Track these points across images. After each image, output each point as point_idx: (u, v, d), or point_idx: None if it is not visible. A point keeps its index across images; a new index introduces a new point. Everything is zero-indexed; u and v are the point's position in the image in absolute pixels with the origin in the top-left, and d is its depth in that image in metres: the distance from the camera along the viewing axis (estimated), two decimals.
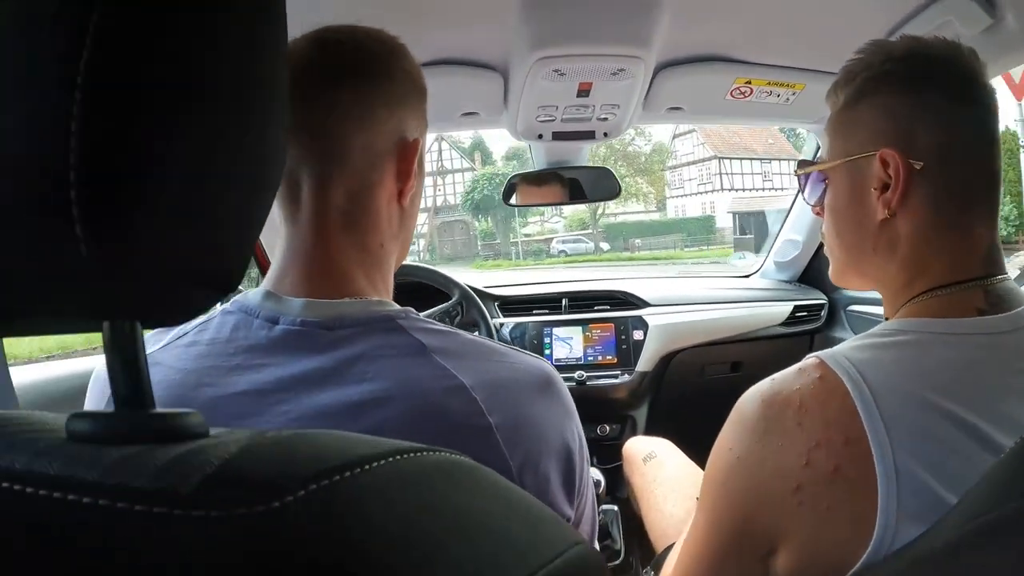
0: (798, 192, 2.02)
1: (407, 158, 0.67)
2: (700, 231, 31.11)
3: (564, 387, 0.66)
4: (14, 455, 0.28)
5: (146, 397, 0.31)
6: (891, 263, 0.69)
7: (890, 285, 0.71)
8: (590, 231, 28.40)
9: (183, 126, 0.28)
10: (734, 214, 27.85)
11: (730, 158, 33.65)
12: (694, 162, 36.37)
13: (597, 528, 0.77)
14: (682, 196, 37.77)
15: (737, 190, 33.02)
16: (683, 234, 30.49)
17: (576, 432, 0.66)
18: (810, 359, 0.63)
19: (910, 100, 0.65)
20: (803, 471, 0.58)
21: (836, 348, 0.63)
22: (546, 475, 0.60)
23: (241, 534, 0.24)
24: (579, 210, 28.67)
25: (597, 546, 0.81)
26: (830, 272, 0.80)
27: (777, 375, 0.64)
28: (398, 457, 0.29)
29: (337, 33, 0.64)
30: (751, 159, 33.44)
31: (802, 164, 0.78)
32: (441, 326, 0.62)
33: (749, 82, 1.44)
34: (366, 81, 0.63)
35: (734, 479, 0.64)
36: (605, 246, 28.36)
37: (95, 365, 1.38)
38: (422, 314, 0.65)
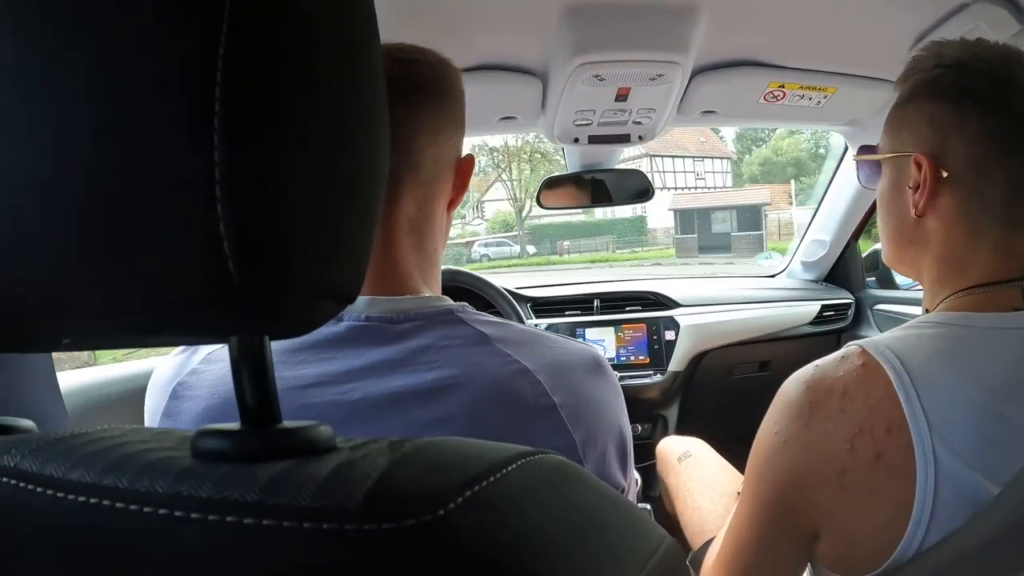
0: (825, 192, 2.05)
1: (464, 172, 0.73)
2: (631, 232, 29.59)
3: (611, 368, 0.70)
4: (153, 478, 0.28)
5: (274, 411, 0.31)
6: (925, 257, 0.72)
7: (927, 277, 0.73)
8: (515, 233, 26.72)
9: (311, 152, 0.29)
10: (676, 212, 26.80)
11: (662, 156, 31.70)
12: (624, 160, 35.87)
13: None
14: None
15: (669, 189, 31.44)
16: (613, 235, 29.02)
17: (623, 407, 0.70)
18: (852, 347, 0.65)
19: (951, 110, 0.67)
20: (847, 456, 0.60)
21: (878, 337, 0.65)
22: (604, 449, 0.64)
23: (412, 543, 0.24)
24: (503, 211, 27.60)
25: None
26: (882, 255, 0.82)
27: (820, 361, 0.67)
28: (523, 461, 0.30)
29: (413, 53, 0.68)
30: (683, 157, 31.86)
31: (861, 150, 0.80)
32: (496, 318, 0.66)
33: (782, 86, 1.46)
34: (441, 100, 0.68)
35: (780, 462, 0.66)
36: (531, 249, 26.82)
37: (139, 369, 1.41)
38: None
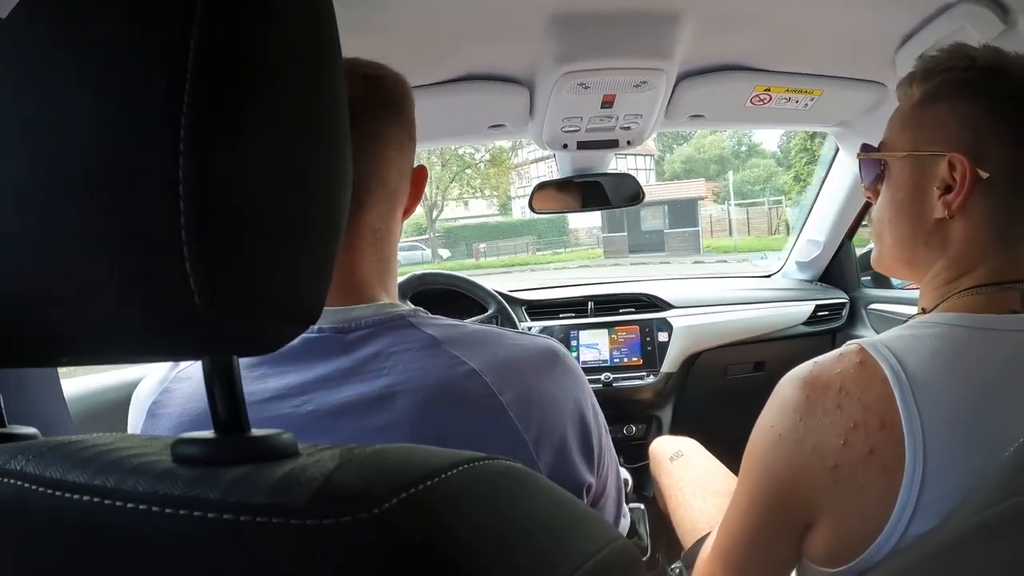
0: (817, 193, 2.06)
1: (419, 182, 0.75)
2: (552, 233, 28.77)
3: (572, 360, 0.70)
4: (136, 479, 0.31)
5: (243, 421, 0.34)
6: (939, 259, 0.71)
7: (933, 279, 0.73)
8: (427, 237, 26.06)
9: (271, 180, 0.31)
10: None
11: None
12: (543, 158, 32.35)
13: (624, 499, 0.81)
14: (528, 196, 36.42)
15: None
16: (533, 236, 28.17)
17: (588, 399, 0.69)
18: (851, 345, 0.66)
19: (986, 113, 0.67)
20: (841, 451, 0.62)
21: (877, 336, 0.66)
22: (563, 443, 0.64)
23: (349, 537, 0.27)
24: (415, 214, 26.82)
25: (627, 513, 0.85)
26: (873, 257, 0.82)
27: (818, 358, 0.68)
28: (466, 466, 0.32)
29: (375, 68, 0.70)
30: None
31: (865, 148, 0.79)
32: (450, 320, 0.67)
33: (768, 89, 1.47)
34: (402, 114, 0.70)
35: (775, 456, 0.67)
36: (445, 252, 26.39)
37: (137, 376, 1.43)
38: (466, 322, 0.70)
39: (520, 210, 34.38)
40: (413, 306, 0.68)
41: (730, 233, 27.87)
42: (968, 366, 0.62)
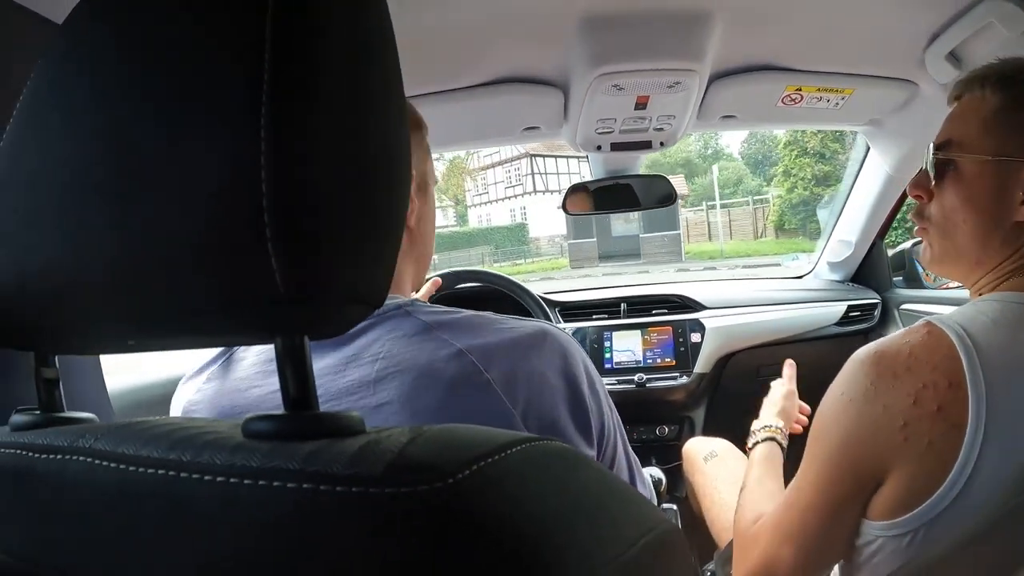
0: (849, 193, 2.06)
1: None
2: (511, 242, 27.59)
3: (562, 337, 0.72)
4: (212, 452, 0.33)
5: (312, 399, 0.36)
6: (1009, 257, 0.76)
7: (993, 271, 0.77)
8: None
9: (344, 166, 0.33)
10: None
11: (543, 156, 29.42)
12: (501, 162, 31.54)
13: (638, 473, 0.83)
14: (487, 203, 32.80)
15: (553, 192, 28.62)
16: (490, 246, 27.03)
17: (583, 376, 0.71)
18: (919, 322, 0.70)
19: None
20: (910, 409, 0.65)
21: (941, 314, 0.70)
22: (554, 420, 0.67)
23: (424, 505, 0.28)
24: None
25: (648, 483, 0.87)
26: (932, 255, 0.84)
27: (884, 337, 0.72)
28: (527, 445, 0.33)
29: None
30: (567, 157, 29.08)
31: (944, 147, 0.80)
32: (445, 308, 0.71)
33: (799, 89, 1.48)
34: (419, 133, 0.78)
35: (846, 419, 0.70)
36: None
37: (179, 372, 1.48)
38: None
39: (477, 218, 33.31)
40: (411, 298, 0.73)
41: (709, 237, 26.28)
42: None
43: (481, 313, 0.72)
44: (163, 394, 1.34)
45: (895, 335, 0.71)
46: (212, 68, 0.32)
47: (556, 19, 1.17)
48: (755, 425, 1.19)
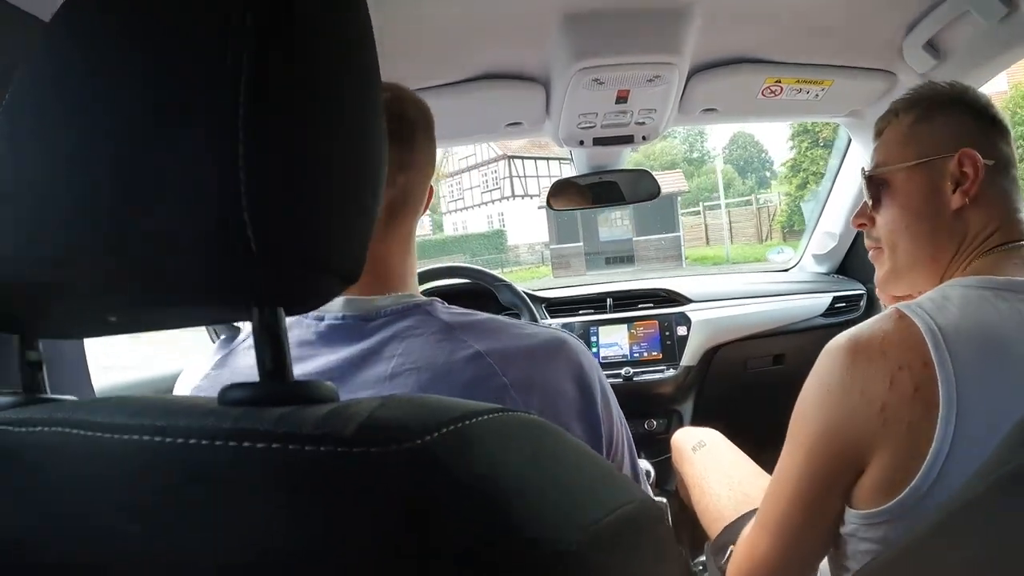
0: (832, 185, 2.07)
1: (430, 194, 0.83)
2: (488, 250, 26.39)
3: (579, 347, 0.74)
4: (183, 417, 0.33)
5: (287, 369, 0.37)
6: (960, 243, 0.82)
7: (955, 263, 0.82)
8: None
9: (321, 149, 0.35)
10: (550, 212, 16.89)
11: (522, 158, 28.55)
12: (477, 165, 30.72)
13: (644, 483, 0.85)
14: (462, 209, 31.98)
15: (532, 196, 27.79)
16: (466, 255, 25.74)
17: (592, 381, 0.73)
18: (888, 309, 0.72)
19: (974, 119, 0.84)
20: (887, 393, 0.66)
21: (910, 301, 0.72)
22: (566, 423, 0.69)
23: (396, 464, 0.29)
24: None
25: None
26: (885, 273, 0.92)
27: (856, 326, 0.74)
28: (501, 413, 0.34)
29: (409, 93, 0.79)
30: (548, 159, 28.41)
31: (875, 170, 0.90)
32: (463, 309, 0.73)
33: (779, 81, 1.49)
34: (429, 136, 0.80)
35: (826, 407, 0.72)
36: None
37: (167, 372, 1.48)
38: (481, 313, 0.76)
39: (452, 226, 32.43)
40: (430, 297, 0.74)
41: (707, 241, 24.98)
42: (991, 317, 0.68)
43: (497, 317, 0.73)
44: (158, 392, 1.34)
45: (866, 322, 0.72)
46: (198, 41, 0.33)
47: (536, 14, 1.18)
48: None
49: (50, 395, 0.45)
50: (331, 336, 0.69)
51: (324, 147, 0.35)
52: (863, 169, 0.92)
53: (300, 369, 0.67)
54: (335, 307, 0.71)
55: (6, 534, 0.37)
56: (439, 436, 0.30)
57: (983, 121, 0.84)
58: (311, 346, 0.69)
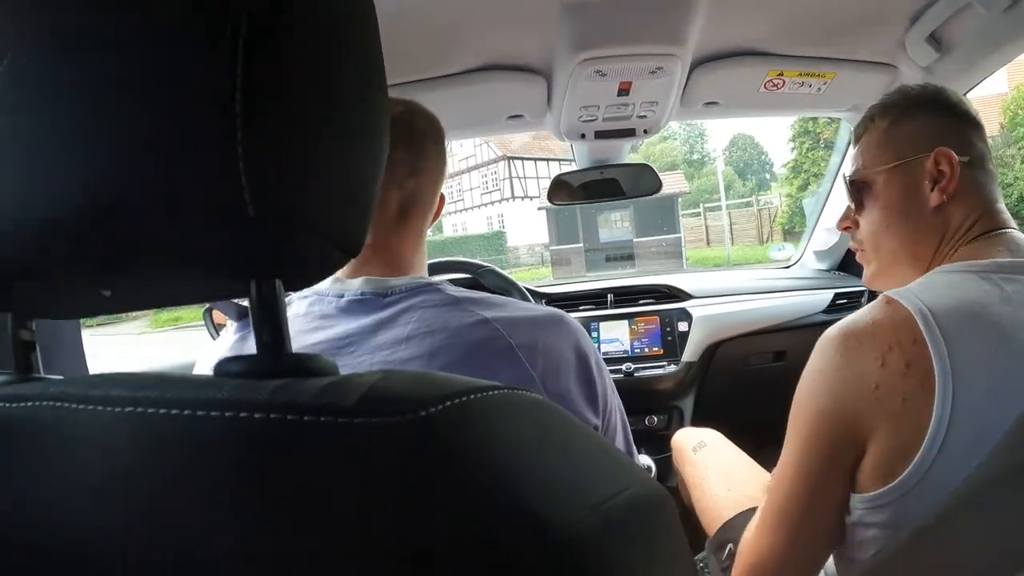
0: (832, 182, 2.07)
1: (441, 201, 0.92)
2: (488, 251, 25.96)
3: (576, 322, 0.82)
4: (180, 389, 0.33)
5: (284, 342, 0.36)
6: (943, 239, 0.84)
7: (939, 257, 0.84)
8: None
9: (321, 122, 0.34)
10: (549, 212, 20.95)
11: (522, 159, 28.43)
12: (477, 166, 30.43)
13: (634, 448, 0.94)
14: (462, 211, 31.77)
15: (532, 198, 27.67)
16: (465, 256, 26.17)
17: (591, 355, 0.81)
18: (879, 297, 0.74)
19: (948, 118, 0.86)
20: (880, 371, 0.68)
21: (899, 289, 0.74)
22: (567, 387, 0.76)
23: (397, 435, 0.28)
24: None
25: (639, 460, 0.94)
26: (871, 273, 0.94)
27: (851, 315, 0.75)
28: (507, 390, 0.34)
29: (419, 106, 0.87)
30: (548, 160, 28.08)
31: (856, 174, 0.93)
32: (473, 291, 0.80)
33: (781, 74, 1.49)
34: (438, 145, 0.88)
35: (820, 392, 0.73)
36: None
37: (175, 363, 1.47)
38: None
39: (451, 227, 32.21)
40: (440, 279, 0.80)
41: (707, 243, 24.84)
42: (978, 295, 0.69)
43: (502, 296, 0.81)
44: None
45: (857, 312, 0.74)
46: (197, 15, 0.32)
47: (539, 2, 1.18)
48: None
49: (44, 375, 0.45)
50: (351, 308, 0.76)
51: (323, 116, 0.35)
52: (843, 175, 0.96)
53: (321, 336, 0.74)
54: (355, 285, 0.78)
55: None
56: (443, 408, 0.30)
57: (956, 119, 0.87)
58: (332, 318, 0.76)
